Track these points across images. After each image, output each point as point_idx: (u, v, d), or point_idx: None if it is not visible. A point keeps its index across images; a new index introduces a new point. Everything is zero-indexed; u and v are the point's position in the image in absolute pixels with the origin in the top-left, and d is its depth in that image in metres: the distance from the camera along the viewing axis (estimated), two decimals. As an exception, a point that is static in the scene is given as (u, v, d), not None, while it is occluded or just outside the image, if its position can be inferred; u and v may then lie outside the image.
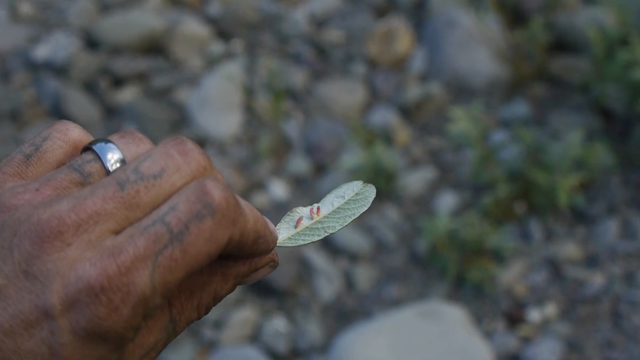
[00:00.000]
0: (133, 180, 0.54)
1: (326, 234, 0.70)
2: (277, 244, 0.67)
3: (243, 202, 0.57)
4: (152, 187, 0.54)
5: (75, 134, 0.62)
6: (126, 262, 0.51)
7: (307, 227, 0.70)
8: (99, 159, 0.57)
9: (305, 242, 0.69)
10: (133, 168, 0.54)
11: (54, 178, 0.56)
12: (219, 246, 0.54)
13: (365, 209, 0.70)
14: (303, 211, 0.71)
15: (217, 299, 0.61)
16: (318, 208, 0.71)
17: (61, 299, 0.51)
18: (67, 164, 0.58)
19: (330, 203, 0.72)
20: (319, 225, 0.70)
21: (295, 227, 0.70)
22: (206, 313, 0.63)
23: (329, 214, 0.72)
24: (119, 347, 0.54)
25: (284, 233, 0.70)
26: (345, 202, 0.72)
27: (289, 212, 0.71)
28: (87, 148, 0.58)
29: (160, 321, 0.58)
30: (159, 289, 0.52)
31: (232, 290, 0.62)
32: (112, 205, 0.53)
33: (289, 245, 0.69)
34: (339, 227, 0.70)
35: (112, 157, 0.57)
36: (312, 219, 0.71)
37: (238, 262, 0.62)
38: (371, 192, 0.72)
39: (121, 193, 0.53)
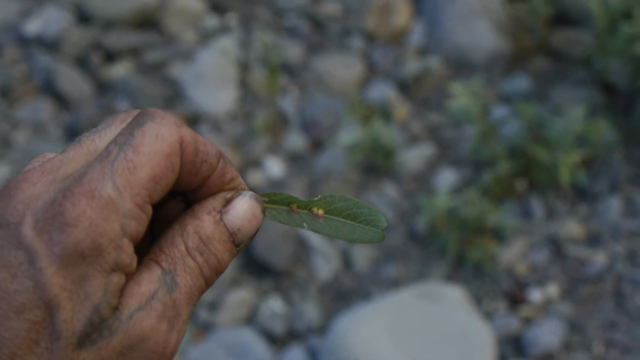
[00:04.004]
0: (87, 135, 0.60)
1: (306, 229, 0.68)
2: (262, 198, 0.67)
3: None
4: (104, 134, 0.60)
5: None
6: (85, 177, 0.55)
7: (297, 208, 0.69)
8: None
9: (281, 222, 0.68)
10: (88, 130, 0.60)
11: None
12: (170, 144, 0.57)
13: (355, 243, 0.69)
14: (306, 203, 0.69)
15: (204, 240, 0.61)
16: (320, 213, 0.69)
17: (32, 226, 0.53)
18: None
19: (339, 212, 0.69)
20: (306, 219, 0.69)
21: (287, 207, 0.69)
22: (212, 266, 0.62)
23: (327, 218, 0.69)
24: (101, 265, 0.54)
25: (275, 202, 0.69)
26: (352, 224, 0.69)
27: (293, 197, 0.69)
28: None
29: (148, 273, 0.58)
30: (125, 191, 0.55)
31: (216, 230, 0.62)
32: (72, 154, 0.58)
33: (266, 213, 0.67)
34: (320, 233, 0.68)
35: None
36: (307, 211, 0.69)
37: (201, 199, 0.63)
38: (376, 239, 0.69)
39: (79, 145, 0.59)
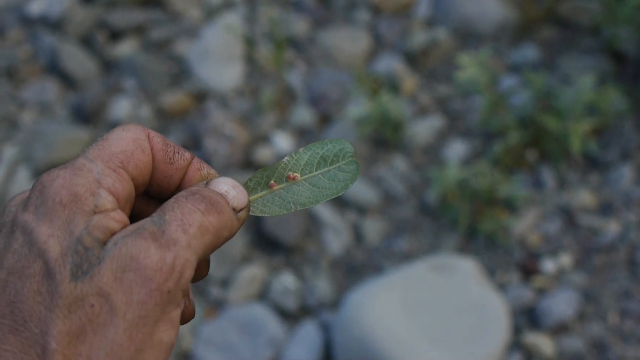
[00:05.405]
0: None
1: (294, 209, 0.70)
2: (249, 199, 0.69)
3: None
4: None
5: None
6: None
7: (279, 190, 0.71)
8: None
9: (271, 214, 0.70)
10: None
11: None
12: (136, 132, 0.66)
13: (344, 191, 0.70)
14: (280, 171, 0.72)
15: (193, 190, 0.65)
16: (296, 176, 0.71)
17: (20, 210, 0.61)
18: None
19: (311, 164, 0.72)
20: (290, 195, 0.71)
21: (268, 188, 0.71)
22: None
23: (305, 179, 0.71)
24: (81, 208, 0.59)
25: (256, 190, 0.71)
26: (327, 170, 0.71)
27: (263, 168, 0.72)
28: None
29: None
30: (96, 159, 0.62)
31: (204, 188, 0.66)
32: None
33: (252, 210, 0.70)
34: (309, 205, 0.70)
35: None
36: (285, 181, 0.72)
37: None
38: (355, 171, 0.71)
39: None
